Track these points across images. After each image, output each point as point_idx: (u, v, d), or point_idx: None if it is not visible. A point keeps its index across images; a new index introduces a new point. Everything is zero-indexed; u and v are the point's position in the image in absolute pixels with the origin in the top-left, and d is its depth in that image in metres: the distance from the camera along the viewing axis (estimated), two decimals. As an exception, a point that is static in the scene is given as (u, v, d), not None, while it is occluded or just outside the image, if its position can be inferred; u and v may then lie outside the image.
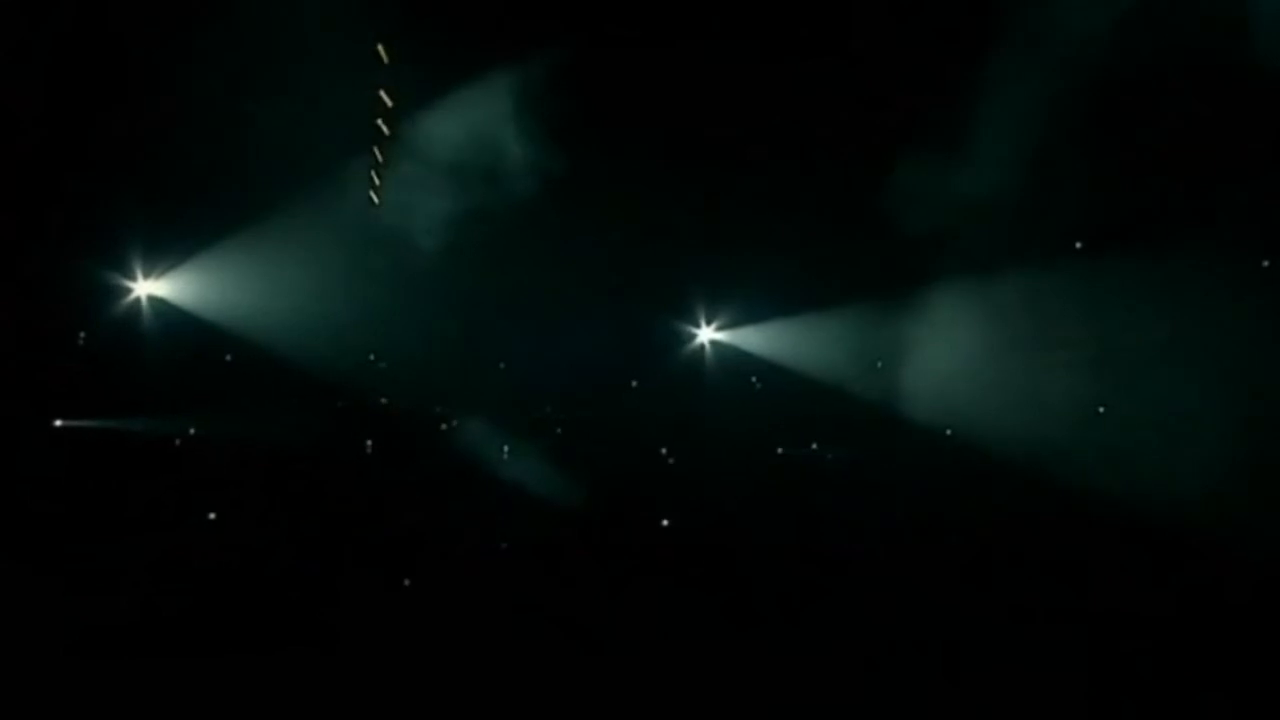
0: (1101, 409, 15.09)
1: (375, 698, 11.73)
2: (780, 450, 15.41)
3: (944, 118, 14.20)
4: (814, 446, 15.45)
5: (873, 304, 15.29)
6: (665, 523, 14.58)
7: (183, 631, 12.26)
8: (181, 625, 12.33)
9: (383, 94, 14.79)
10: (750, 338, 15.71)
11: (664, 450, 15.34)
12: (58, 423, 14.28)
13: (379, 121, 14.89)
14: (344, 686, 11.78)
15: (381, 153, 14.89)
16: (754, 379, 15.76)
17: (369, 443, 14.95)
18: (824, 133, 14.68)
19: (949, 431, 15.24)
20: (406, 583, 13.43)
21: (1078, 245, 15.16)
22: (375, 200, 14.91)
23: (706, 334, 15.68)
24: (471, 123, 14.77)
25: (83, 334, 14.71)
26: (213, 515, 13.81)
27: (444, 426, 14.92)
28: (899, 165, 14.46)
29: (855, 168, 14.59)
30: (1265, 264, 14.80)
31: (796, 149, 14.73)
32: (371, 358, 15.23)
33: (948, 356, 15.06)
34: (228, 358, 14.94)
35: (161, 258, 14.77)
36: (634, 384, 15.63)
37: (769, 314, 15.57)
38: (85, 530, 13.17)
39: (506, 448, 14.93)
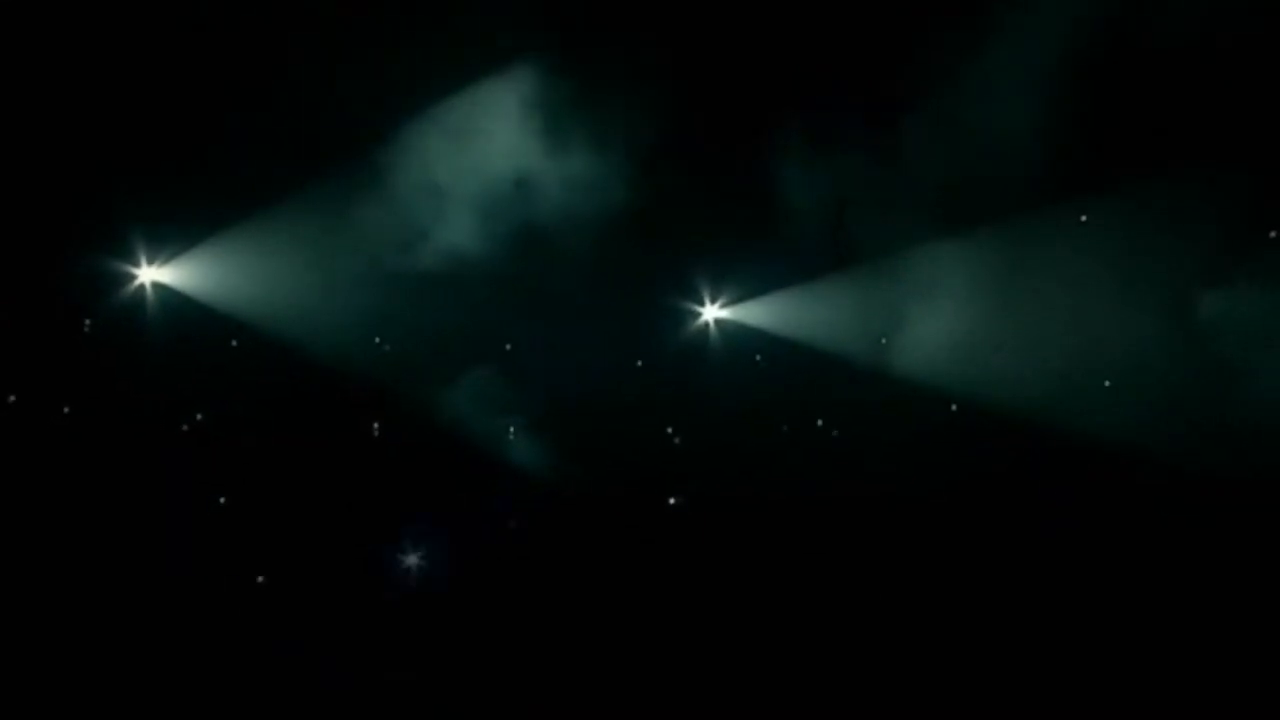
0: (1108, 383, 15.13)
1: (385, 683, 11.82)
2: (786, 428, 15.42)
3: (939, 86, 14.30)
4: (820, 423, 15.44)
5: (875, 276, 15.34)
6: (672, 501, 14.62)
7: (193, 618, 12.37)
8: (191, 611, 12.45)
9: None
10: (755, 314, 15.70)
11: (670, 429, 15.35)
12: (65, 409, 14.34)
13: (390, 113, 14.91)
14: (359, 671, 11.91)
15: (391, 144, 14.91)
16: (758, 356, 15.76)
17: (375, 426, 14.98)
18: (823, 109, 14.72)
19: (954, 407, 15.29)
20: (411, 563, 13.50)
21: (1083, 219, 15.18)
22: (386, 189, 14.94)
23: (711, 312, 15.68)
24: (478, 114, 14.81)
25: (88, 321, 14.74)
26: (222, 500, 13.87)
27: (449, 408, 14.93)
28: (898, 135, 14.61)
29: (853, 140, 14.66)
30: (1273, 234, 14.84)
31: (797, 127, 14.77)
32: (377, 340, 15.23)
33: (950, 327, 15.12)
34: (233, 343, 14.97)
35: (165, 244, 14.80)
36: (639, 363, 15.64)
37: (773, 289, 15.58)
38: (93, 517, 13.26)
39: (512, 429, 14.96)
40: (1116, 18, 13.91)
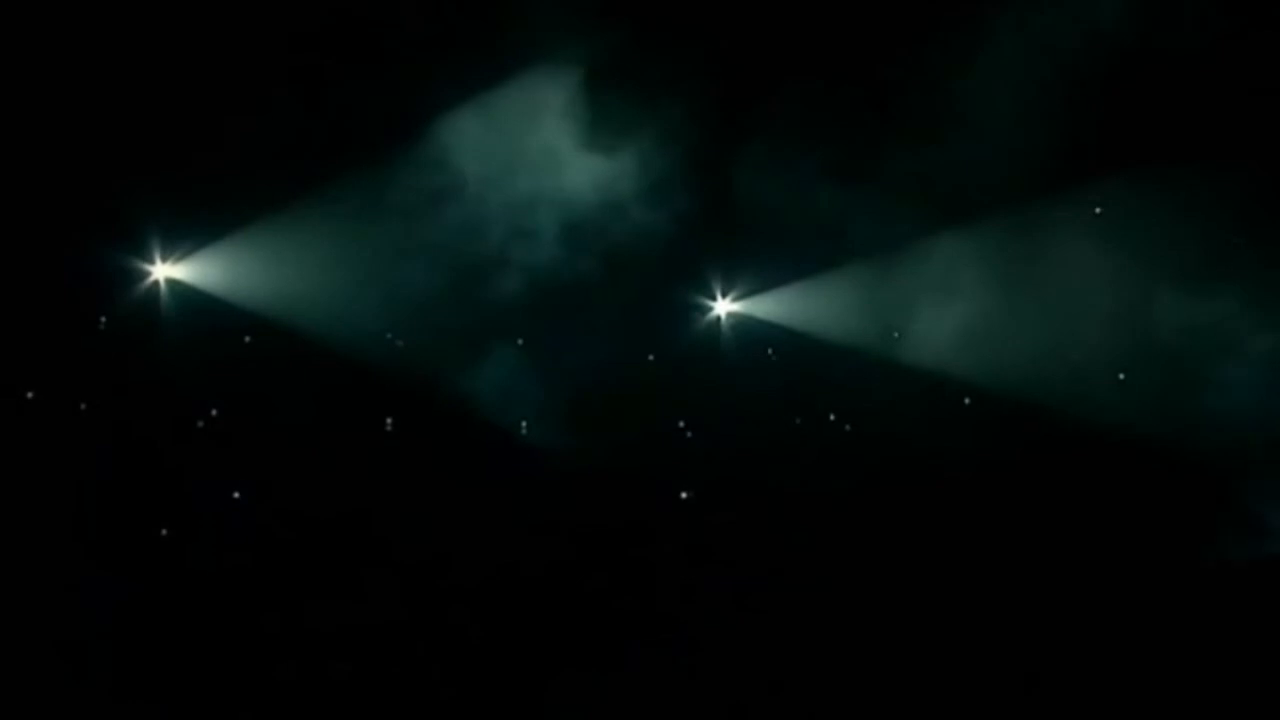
0: (1122, 375, 15.13)
1: (396, 677, 11.86)
2: (798, 421, 15.42)
3: (948, 82, 14.32)
4: (832, 417, 15.44)
5: (886, 270, 15.33)
6: (684, 495, 14.63)
7: (208, 613, 12.42)
8: (206, 606, 12.50)
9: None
10: (767, 308, 15.70)
11: (681, 423, 15.37)
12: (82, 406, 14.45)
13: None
14: (372, 664, 11.96)
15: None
16: (770, 350, 15.76)
17: (389, 420, 15.04)
18: (833, 103, 14.73)
19: (967, 400, 15.27)
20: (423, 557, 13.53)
21: (1098, 211, 15.17)
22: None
23: (723, 306, 15.68)
24: (493, 113, 14.87)
25: (104, 318, 14.85)
26: (236, 495, 13.94)
27: (462, 403, 14.97)
28: (910, 129, 14.63)
29: (863, 134, 14.67)
30: None
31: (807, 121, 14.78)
32: (389, 336, 15.29)
33: (962, 320, 15.12)
34: (247, 339, 15.05)
35: (180, 241, 14.89)
36: (651, 357, 15.67)
37: (784, 283, 15.58)
38: (108, 512, 13.34)
39: (524, 423, 15.01)
40: (1121, 16, 13.96)
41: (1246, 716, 11.48)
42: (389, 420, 14.99)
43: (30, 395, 14.28)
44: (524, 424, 15.04)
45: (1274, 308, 14.57)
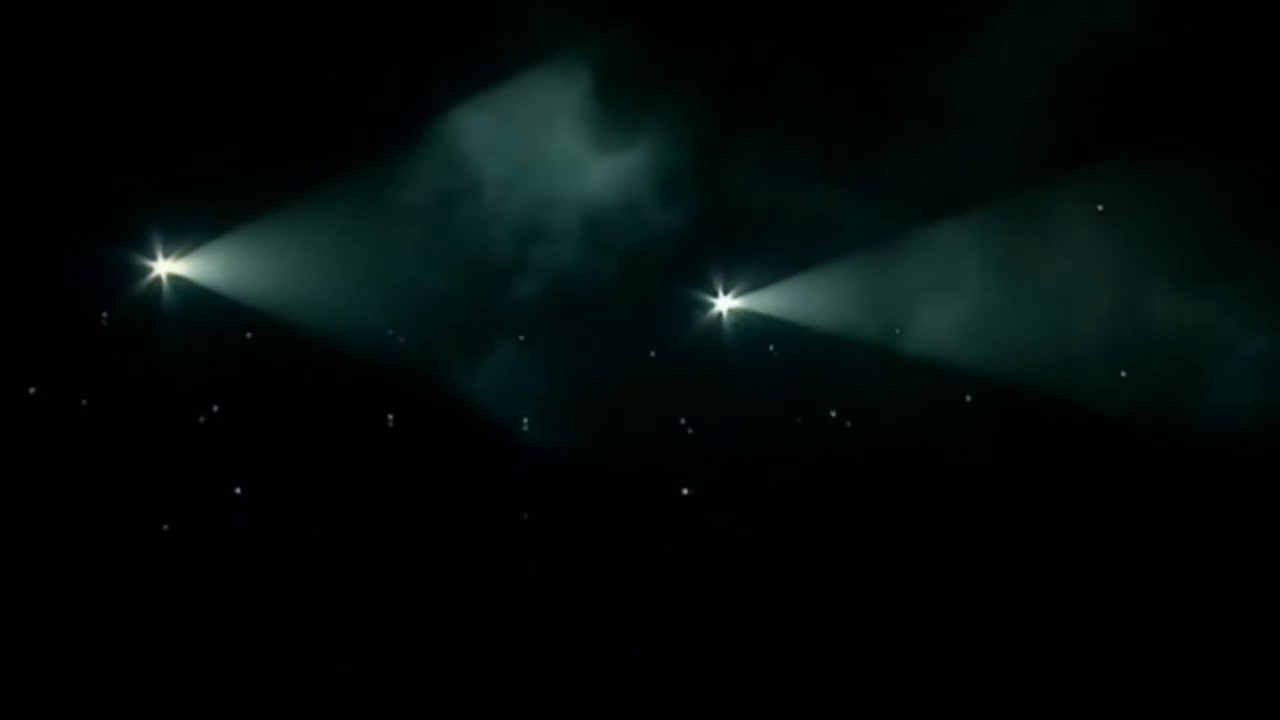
0: (1124, 374, 15.12)
1: (396, 677, 11.89)
2: (799, 419, 15.41)
3: (950, 76, 14.31)
4: (833, 413, 15.43)
5: (887, 266, 15.33)
6: (685, 491, 14.65)
7: (208, 612, 12.46)
8: (206, 606, 12.53)
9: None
10: (769, 303, 15.68)
11: (683, 420, 15.37)
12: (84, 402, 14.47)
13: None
14: (372, 664, 11.99)
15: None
16: (771, 347, 15.74)
17: (390, 417, 15.05)
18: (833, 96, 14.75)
19: (968, 397, 15.27)
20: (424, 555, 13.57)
21: (1100, 208, 15.17)
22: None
23: (724, 302, 15.67)
24: (497, 111, 14.86)
25: (105, 314, 14.86)
26: (238, 490, 13.97)
27: (462, 400, 14.99)
28: (912, 123, 14.63)
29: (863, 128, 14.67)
30: None
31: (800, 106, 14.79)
32: (390, 333, 15.30)
33: (964, 316, 15.13)
34: (248, 335, 15.06)
35: (182, 237, 14.89)
36: (652, 354, 15.66)
37: (785, 279, 15.56)
38: (109, 508, 13.38)
39: (525, 421, 15.02)
40: (1121, 15, 13.97)
41: (1247, 713, 11.50)
42: (390, 418, 15.00)
43: (31, 392, 14.29)
44: (525, 422, 15.04)
45: (1273, 306, 14.61)
